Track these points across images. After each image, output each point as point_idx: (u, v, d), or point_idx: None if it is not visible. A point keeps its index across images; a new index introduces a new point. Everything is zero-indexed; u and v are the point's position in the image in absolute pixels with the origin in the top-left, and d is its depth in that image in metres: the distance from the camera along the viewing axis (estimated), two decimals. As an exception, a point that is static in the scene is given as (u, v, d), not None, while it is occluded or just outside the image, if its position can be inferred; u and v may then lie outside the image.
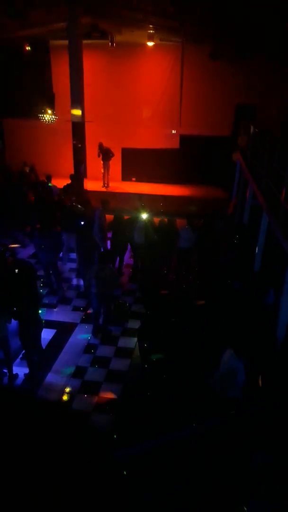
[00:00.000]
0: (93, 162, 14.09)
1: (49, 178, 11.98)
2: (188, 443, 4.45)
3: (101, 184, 14.38)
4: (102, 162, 13.98)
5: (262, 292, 6.77)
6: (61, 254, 9.59)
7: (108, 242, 9.33)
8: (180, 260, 9.22)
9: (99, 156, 13.81)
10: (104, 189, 14.21)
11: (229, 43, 12.08)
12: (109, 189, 14.20)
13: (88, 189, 12.99)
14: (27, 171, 13.26)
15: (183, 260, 9.19)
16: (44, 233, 8.29)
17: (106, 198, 9.69)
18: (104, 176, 14.32)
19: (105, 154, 13.78)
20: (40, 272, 9.36)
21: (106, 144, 13.75)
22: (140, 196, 10.90)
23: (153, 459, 4.31)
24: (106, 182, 14.38)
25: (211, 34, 11.36)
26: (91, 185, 13.74)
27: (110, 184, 14.46)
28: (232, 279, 7.31)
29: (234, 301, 6.78)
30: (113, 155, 13.93)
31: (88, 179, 13.98)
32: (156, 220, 9.30)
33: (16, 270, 6.46)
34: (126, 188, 14.38)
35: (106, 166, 14.10)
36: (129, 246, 9.42)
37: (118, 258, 9.34)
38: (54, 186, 11.98)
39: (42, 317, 6.54)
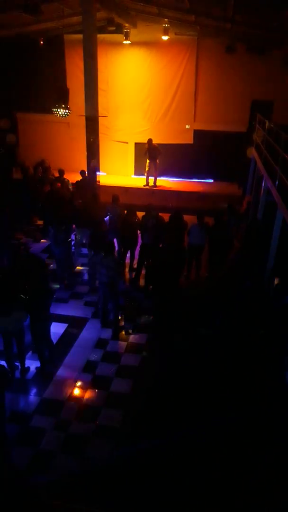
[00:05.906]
0: (107, 157, 14.02)
1: (61, 173, 11.97)
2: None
3: (116, 178, 14.20)
4: (148, 160, 13.51)
5: (274, 291, 6.70)
6: (73, 249, 9.65)
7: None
8: (190, 257, 9.16)
9: (146, 153, 13.40)
10: (148, 187, 13.88)
11: (245, 37, 11.87)
12: (122, 185, 14.06)
13: (102, 184, 12.93)
14: (40, 166, 13.28)
15: (194, 256, 9.13)
16: (60, 228, 8.39)
17: (117, 194, 9.68)
18: (148, 175, 13.85)
19: (153, 151, 13.35)
20: (52, 267, 9.44)
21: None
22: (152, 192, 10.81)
23: None
24: (151, 180, 13.91)
25: (228, 28, 11.16)
26: (104, 179, 13.69)
27: (122, 179, 14.19)
28: (244, 277, 7.24)
29: (246, 300, 6.73)
30: (160, 153, 13.43)
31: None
32: (167, 216, 9.23)
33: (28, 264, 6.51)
34: (139, 183, 14.33)
35: (152, 165, 13.60)
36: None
37: (129, 254, 9.35)
38: (67, 180, 11.98)
39: (51, 312, 6.57)
